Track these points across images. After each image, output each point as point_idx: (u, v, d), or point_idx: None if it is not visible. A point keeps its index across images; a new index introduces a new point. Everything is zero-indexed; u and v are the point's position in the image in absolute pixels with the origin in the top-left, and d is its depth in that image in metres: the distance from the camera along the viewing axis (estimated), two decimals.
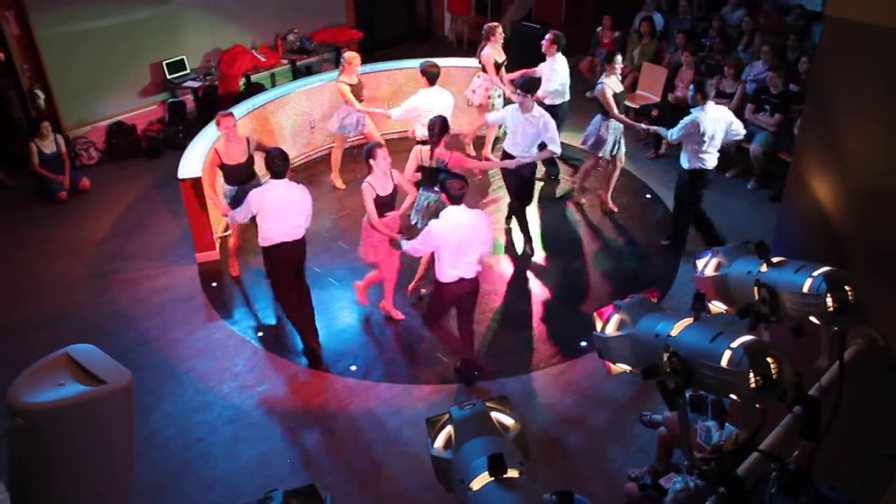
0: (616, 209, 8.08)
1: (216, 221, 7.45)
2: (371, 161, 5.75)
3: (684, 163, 6.86)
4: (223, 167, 6.61)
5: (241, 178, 6.65)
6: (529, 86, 6.76)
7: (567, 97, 8.29)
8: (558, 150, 6.88)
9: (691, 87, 6.79)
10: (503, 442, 2.21)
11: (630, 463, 5.02)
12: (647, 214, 8.12)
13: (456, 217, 5.19)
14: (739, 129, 6.90)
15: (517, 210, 7.35)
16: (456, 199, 5.19)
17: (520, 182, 7.13)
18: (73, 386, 2.57)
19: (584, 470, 5.14)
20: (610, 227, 7.89)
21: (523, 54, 9.72)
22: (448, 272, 5.29)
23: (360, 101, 8.03)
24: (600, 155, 7.77)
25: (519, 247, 7.46)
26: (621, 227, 7.87)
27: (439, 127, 6.22)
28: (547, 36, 8.14)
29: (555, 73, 8.10)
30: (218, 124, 6.54)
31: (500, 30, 8.51)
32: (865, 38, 3.86)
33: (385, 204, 5.88)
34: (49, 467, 2.56)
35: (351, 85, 7.93)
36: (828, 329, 2.97)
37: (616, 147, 7.73)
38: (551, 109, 7.55)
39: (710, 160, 6.79)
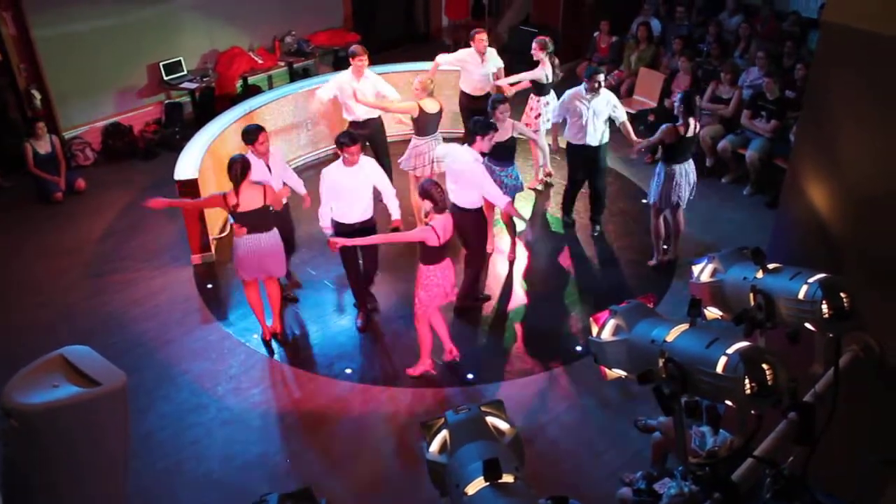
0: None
1: (212, 223, 7.44)
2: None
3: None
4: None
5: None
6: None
7: None
8: None
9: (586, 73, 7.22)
10: (498, 446, 2.21)
11: (625, 468, 5.02)
12: (644, 219, 8.11)
13: None
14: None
15: (481, 257, 6.63)
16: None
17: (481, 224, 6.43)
18: (68, 387, 2.57)
19: (578, 474, 5.14)
20: (606, 231, 7.89)
21: (521, 59, 9.71)
22: None
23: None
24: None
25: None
26: (618, 231, 7.87)
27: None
28: (479, 34, 8.13)
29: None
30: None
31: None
32: (861, 44, 3.88)
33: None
34: (43, 468, 2.55)
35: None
36: (823, 335, 2.97)
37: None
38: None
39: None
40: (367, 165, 5.99)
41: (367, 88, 7.59)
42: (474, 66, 8.22)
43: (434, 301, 5.57)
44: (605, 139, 7.40)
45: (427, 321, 5.70)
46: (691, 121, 6.56)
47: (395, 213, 6.10)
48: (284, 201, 6.27)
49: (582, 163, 7.52)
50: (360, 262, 6.29)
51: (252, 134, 5.98)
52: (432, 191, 5.27)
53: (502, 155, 6.75)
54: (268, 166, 6.08)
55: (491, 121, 6.37)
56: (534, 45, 8.02)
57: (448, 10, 13.20)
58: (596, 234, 7.84)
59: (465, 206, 6.11)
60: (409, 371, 5.93)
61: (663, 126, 6.61)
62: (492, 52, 8.27)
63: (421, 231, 5.40)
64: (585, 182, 7.72)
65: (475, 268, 6.49)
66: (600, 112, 7.19)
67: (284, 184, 6.20)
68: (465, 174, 5.99)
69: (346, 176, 5.85)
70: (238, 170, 5.55)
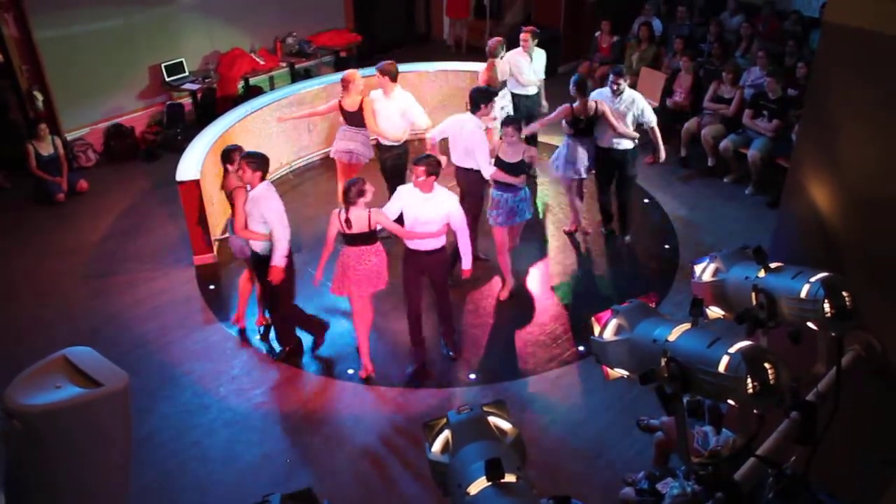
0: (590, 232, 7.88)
1: (214, 224, 7.44)
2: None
3: (618, 143, 7.21)
4: None
5: None
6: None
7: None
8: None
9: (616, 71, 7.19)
10: (501, 446, 2.21)
11: (627, 467, 5.02)
12: (646, 219, 8.13)
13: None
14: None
15: (478, 209, 6.85)
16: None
17: (478, 183, 6.70)
18: (70, 388, 2.57)
19: (581, 474, 5.14)
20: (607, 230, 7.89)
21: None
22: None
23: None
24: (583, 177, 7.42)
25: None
26: (619, 231, 7.86)
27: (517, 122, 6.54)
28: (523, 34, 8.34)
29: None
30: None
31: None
32: (863, 44, 3.87)
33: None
34: (45, 470, 2.55)
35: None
36: (825, 335, 2.97)
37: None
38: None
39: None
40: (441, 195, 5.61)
41: (392, 109, 7.20)
42: (525, 64, 8.35)
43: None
44: None
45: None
46: (591, 102, 7.02)
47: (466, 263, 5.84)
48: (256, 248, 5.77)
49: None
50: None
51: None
52: (352, 188, 5.43)
53: (509, 175, 6.48)
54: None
55: (492, 90, 6.60)
56: (487, 50, 8.10)
57: (449, 10, 13.21)
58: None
59: (467, 166, 6.57)
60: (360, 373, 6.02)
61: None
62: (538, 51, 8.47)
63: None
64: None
65: (472, 221, 6.61)
66: None
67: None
68: (469, 139, 6.44)
69: (419, 201, 5.52)
70: None
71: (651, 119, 7.21)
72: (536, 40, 8.34)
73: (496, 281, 7.04)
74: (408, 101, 7.19)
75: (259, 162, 5.53)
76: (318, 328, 6.24)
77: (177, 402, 5.76)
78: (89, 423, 2.58)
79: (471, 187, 6.71)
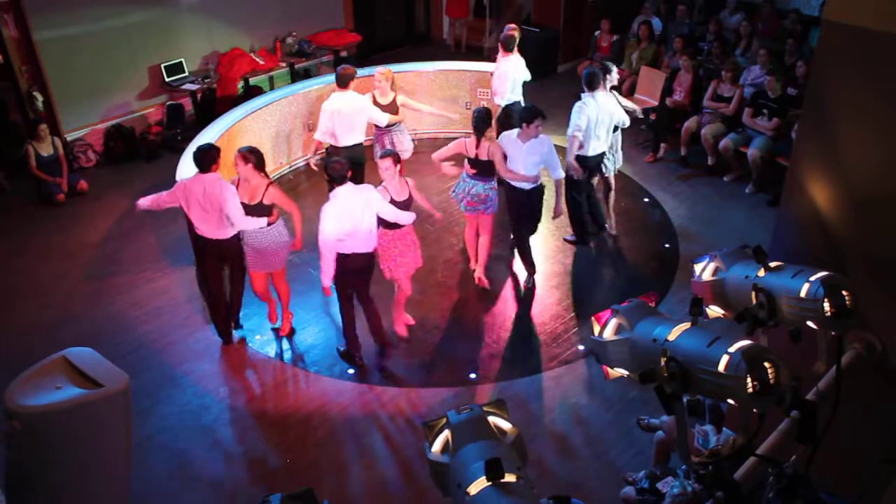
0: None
1: None
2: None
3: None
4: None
5: None
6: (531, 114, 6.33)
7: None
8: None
9: (583, 75, 6.98)
10: (500, 446, 2.22)
11: (627, 467, 5.02)
12: (646, 218, 8.13)
13: (345, 196, 5.39)
14: (625, 120, 7.18)
15: (519, 238, 6.88)
16: (339, 180, 5.36)
17: (520, 208, 6.66)
18: (70, 389, 2.57)
19: (581, 474, 5.13)
20: (607, 229, 7.87)
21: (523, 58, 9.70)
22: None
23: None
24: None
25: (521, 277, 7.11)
26: (619, 230, 7.85)
27: (484, 117, 6.35)
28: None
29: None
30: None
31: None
32: (862, 42, 3.87)
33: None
34: (46, 470, 2.56)
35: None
36: (825, 334, 2.97)
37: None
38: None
39: (594, 147, 6.97)
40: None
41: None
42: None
43: None
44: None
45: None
46: None
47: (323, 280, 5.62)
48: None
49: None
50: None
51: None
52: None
53: (488, 171, 6.48)
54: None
55: (536, 108, 6.41)
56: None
57: (449, 10, 13.20)
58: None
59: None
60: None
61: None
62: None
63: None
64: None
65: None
66: None
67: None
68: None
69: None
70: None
71: (570, 128, 6.84)
72: (509, 47, 7.99)
73: (495, 280, 7.04)
74: (324, 109, 7.06)
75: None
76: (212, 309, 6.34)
77: (177, 402, 5.76)
78: (90, 424, 2.58)
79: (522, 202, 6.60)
